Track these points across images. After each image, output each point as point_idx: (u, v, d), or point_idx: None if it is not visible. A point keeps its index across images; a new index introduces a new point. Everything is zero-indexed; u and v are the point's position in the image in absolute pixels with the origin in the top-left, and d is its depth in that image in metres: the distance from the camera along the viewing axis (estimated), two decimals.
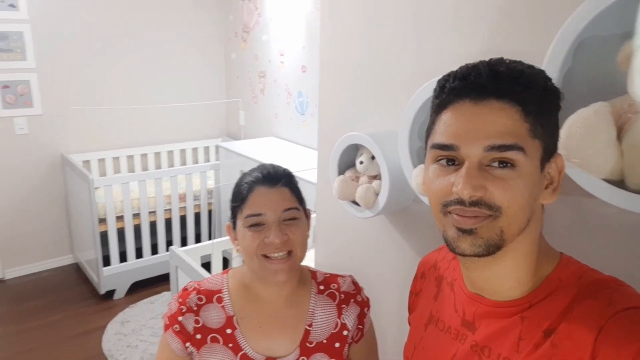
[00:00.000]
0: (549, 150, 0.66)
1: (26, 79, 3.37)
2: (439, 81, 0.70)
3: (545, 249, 0.72)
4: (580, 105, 0.76)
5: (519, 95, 0.63)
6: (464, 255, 0.67)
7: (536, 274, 0.69)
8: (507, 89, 0.63)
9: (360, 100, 1.37)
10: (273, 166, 1.02)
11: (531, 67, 0.66)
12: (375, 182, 1.23)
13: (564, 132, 0.76)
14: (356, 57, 1.35)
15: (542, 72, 0.67)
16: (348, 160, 1.31)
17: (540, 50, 0.91)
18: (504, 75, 0.63)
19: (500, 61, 0.66)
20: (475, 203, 0.63)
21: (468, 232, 0.65)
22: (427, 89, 1.05)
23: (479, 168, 0.63)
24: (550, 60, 0.83)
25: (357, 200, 1.24)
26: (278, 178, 0.98)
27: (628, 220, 0.85)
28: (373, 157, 1.22)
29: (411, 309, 0.97)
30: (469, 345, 0.74)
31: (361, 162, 1.25)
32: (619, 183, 0.77)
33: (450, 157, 0.66)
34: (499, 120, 0.62)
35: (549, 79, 0.66)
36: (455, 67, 0.69)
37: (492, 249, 0.65)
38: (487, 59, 0.67)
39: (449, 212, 0.66)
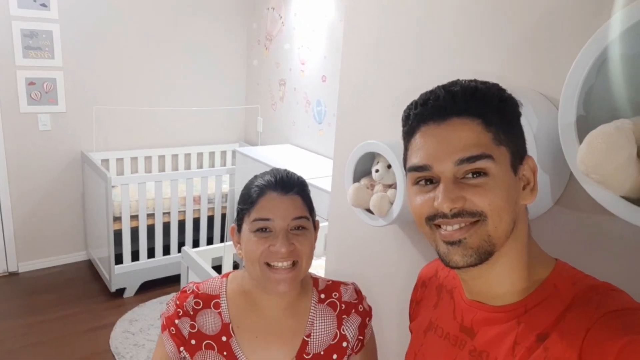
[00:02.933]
0: (518, 154, 0.70)
1: (52, 77, 3.45)
2: (404, 111, 0.76)
3: (538, 253, 0.74)
4: (602, 122, 0.75)
5: (476, 109, 0.68)
6: (457, 267, 0.69)
7: (530, 278, 0.71)
8: (465, 106, 0.68)
9: (378, 111, 1.37)
10: (287, 172, 0.98)
11: (485, 82, 0.71)
12: (390, 191, 1.23)
13: (584, 148, 0.75)
14: (376, 68, 1.36)
15: (495, 85, 0.71)
16: (364, 169, 1.32)
17: (559, 68, 0.91)
18: (460, 93, 0.68)
19: (454, 82, 0.71)
20: (457, 214, 0.67)
21: (457, 243, 0.68)
22: None
23: (454, 182, 0.67)
24: (571, 77, 0.82)
25: (371, 208, 1.24)
26: (291, 185, 0.95)
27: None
28: (389, 166, 1.22)
29: (412, 317, 0.97)
30: (468, 351, 0.75)
31: (377, 171, 1.25)
32: (638, 201, 0.76)
33: (427, 177, 0.70)
34: (463, 135, 0.67)
35: (504, 91, 0.71)
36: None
37: (484, 256, 0.68)
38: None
39: (435, 226, 0.70)
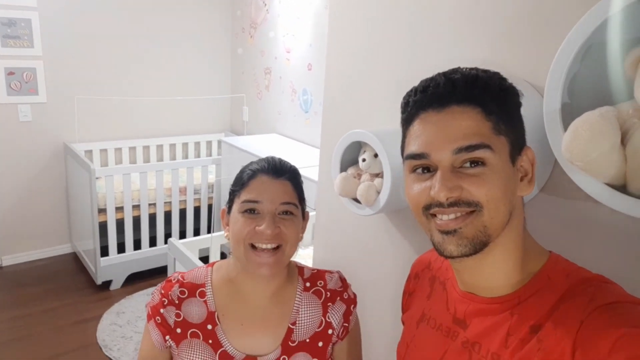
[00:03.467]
0: (517, 145, 0.70)
1: (32, 67, 3.38)
2: (404, 97, 0.74)
3: (532, 245, 0.74)
4: (586, 110, 0.76)
5: (477, 97, 0.67)
6: (452, 257, 0.69)
7: (524, 270, 0.71)
8: (465, 94, 0.67)
9: (365, 99, 1.37)
10: (281, 160, 1.00)
11: (486, 71, 0.70)
12: (377, 180, 1.23)
13: (568, 135, 0.76)
14: (363, 56, 1.35)
15: (497, 74, 0.70)
16: (351, 158, 1.31)
17: (544, 56, 0.91)
18: (460, 81, 0.68)
19: (455, 70, 0.70)
20: (454, 203, 0.66)
21: (452, 232, 0.67)
22: None
23: (452, 171, 0.67)
24: (556, 64, 0.83)
25: (358, 198, 1.24)
26: (283, 170, 0.97)
27: (627, 225, 0.85)
28: (376, 155, 1.22)
29: (404, 308, 0.98)
30: (460, 342, 0.75)
31: (364, 160, 1.25)
32: (621, 188, 0.77)
33: (424, 165, 0.70)
34: (462, 124, 0.66)
35: (505, 80, 0.70)
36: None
37: (478, 246, 0.67)
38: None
39: (432, 215, 0.69)
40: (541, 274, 0.70)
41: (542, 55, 0.94)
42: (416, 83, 1.23)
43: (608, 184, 0.77)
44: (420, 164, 0.70)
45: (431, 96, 0.69)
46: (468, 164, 0.66)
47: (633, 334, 0.55)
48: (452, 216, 0.67)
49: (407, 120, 0.73)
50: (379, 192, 1.21)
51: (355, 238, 1.47)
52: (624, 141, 0.75)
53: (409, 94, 0.73)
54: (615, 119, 0.74)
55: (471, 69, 0.70)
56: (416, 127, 0.70)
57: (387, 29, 1.27)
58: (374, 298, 1.40)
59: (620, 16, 0.76)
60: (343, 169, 1.31)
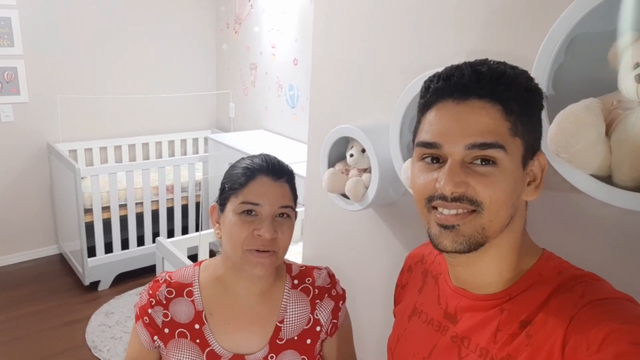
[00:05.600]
0: (532, 149, 0.68)
1: (13, 66, 3.31)
2: (425, 82, 0.72)
3: (528, 244, 0.73)
4: (571, 101, 0.76)
5: (500, 94, 0.65)
6: (446, 251, 0.69)
7: (517, 268, 0.71)
8: (488, 89, 0.65)
9: (352, 94, 1.36)
10: (278, 160, 0.98)
11: (514, 67, 0.68)
12: (365, 175, 1.22)
13: (553, 127, 0.76)
14: (348, 50, 1.35)
15: (524, 72, 0.68)
16: (338, 153, 1.31)
17: (532, 48, 0.91)
18: (486, 75, 0.65)
19: (483, 62, 0.68)
20: (457, 199, 0.65)
21: (450, 228, 0.67)
22: (418, 84, 1.04)
23: (461, 165, 0.65)
24: (541, 56, 0.83)
25: (347, 193, 1.24)
26: (282, 172, 0.95)
27: (614, 216, 0.85)
28: (363, 150, 1.22)
29: (397, 301, 0.98)
30: (450, 337, 0.75)
31: (351, 155, 1.25)
32: (607, 179, 0.78)
33: (434, 155, 0.68)
34: (480, 119, 0.64)
35: (532, 79, 0.68)
36: (446, 63, 0.71)
37: (474, 246, 0.67)
38: (478, 56, 0.69)
39: (433, 208, 0.68)
40: (533, 271, 0.70)
41: (527, 47, 0.94)
42: (402, 76, 1.23)
43: (593, 175, 0.78)
44: (430, 153, 0.68)
45: (454, 86, 0.66)
46: (479, 161, 0.65)
47: (623, 330, 0.55)
48: (453, 211, 0.66)
49: (424, 106, 0.71)
50: (367, 187, 1.21)
51: (344, 233, 1.47)
52: (608, 132, 0.76)
53: (430, 79, 0.71)
54: (600, 110, 0.74)
55: (499, 63, 0.68)
56: (433, 114, 0.68)
57: (373, 22, 1.27)
58: (364, 292, 1.41)
59: (604, 7, 0.76)
60: (331, 164, 1.31)
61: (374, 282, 1.39)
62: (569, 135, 0.74)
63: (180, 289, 1.00)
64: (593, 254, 0.89)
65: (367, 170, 1.23)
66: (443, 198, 0.66)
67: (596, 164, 0.75)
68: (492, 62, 0.68)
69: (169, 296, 0.99)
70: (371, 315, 1.39)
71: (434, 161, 0.68)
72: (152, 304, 0.98)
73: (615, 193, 0.76)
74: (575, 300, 0.63)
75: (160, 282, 1.01)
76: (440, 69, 0.71)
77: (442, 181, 0.65)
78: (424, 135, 0.69)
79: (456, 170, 0.65)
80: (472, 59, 0.70)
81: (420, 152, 0.70)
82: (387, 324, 0.98)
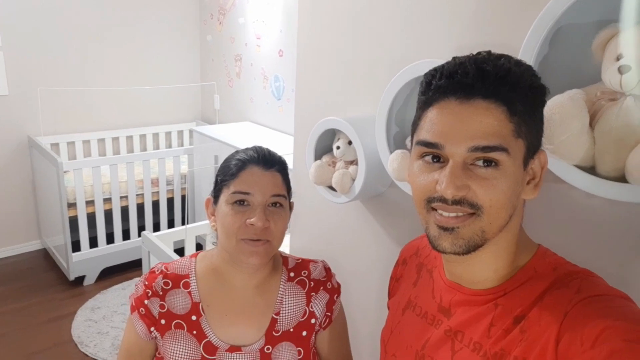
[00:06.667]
0: (533, 148, 0.67)
1: None
2: (426, 76, 0.69)
3: (524, 240, 0.73)
4: (556, 92, 0.77)
5: (505, 95, 0.63)
6: (445, 253, 0.68)
7: (512, 264, 0.71)
8: (493, 89, 0.63)
9: (338, 86, 1.36)
10: (269, 150, 1.00)
11: (518, 63, 0.65)
12: (351, 168, 1.22)
13: None
14: (334, 41, 1.34)
15: (529, 69, 0.66)
16: (325, 146, 1.31)
17: (521, 39, 0.92)
18: (491, 74, 0.63)
19: (487, 58, 0.65)
20: (457, 202, 0.64)
21: (450, 230, 0.66)
22: (404, 76, 1.04)
23: (462, 167, 0.64)
24: (526, 47, 0.83)
25: (334, 185, 1.24)
26: (273, 162, 0.96)
27: (595, 205, 0.87)
28: (350, 143, 1.22)
29: (391, 293, 0.98)
30: (443, 330, 0.75)
31: (338, 147, 1.25)
32: (591, 169, 0.79)
33: (435, 154, 0.67)
34: (484, 121, 0.63)
35: (536, 76, 0.66)
36: (434, 55, 0.69)
37: (473, 248, 0.66)
38: (465, 49, 0.67)
39: (433, 209, 0.67)
40: (528, 267, 0.70)
41: (511, 39, 0.94)
42: (389, 67, 1.23)
43: (577, 166, 0.79)
44: (431, 152, 0.67)
45: (457, 84, 0.64)
46: (481, 162, 0.64)
47: (617, 327, 0.56)
48: (453, 214, 0.65)
49: (425, 103, 0.69)
50: (354, 180, 1.21)
51: (332, 226, 1.47)
52: (592, 123, 0.77)
53: (432, 75, 0.68)
54: (584, 101, 0.75)
55: (502, 57, 0.65)
56: (434, 112, 0.66)
57: (359, 13, 1.26)
58: (353, 284, 1.41)
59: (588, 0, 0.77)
60: (317, 156, 1.30)
61: (362, 274, 1.39)
62: (554, 126, 0.75)
63: (177, 280, 1.00)
64: (578, 245, 0.90)
65: (354, 162, 1.23)
66: (443, 200, 0.65)
67: (580, 154, 0.76)
68: (495, 58, 0.65)
69: (165, 287, 0.99)
70: (361, 307, 1.40)
71: (435, 160, 0.67)
72: (149, 295, 0.98)
73: (599, 183, 0.77)
74: (570, 296, 0.62)
75: (157, 273, 1.01)
76: (426, 60, 0.70)
77: (444, 184, 0.63)
78: (424, 134, 0.67)
79: (458, 173, 0.63)
80: (459, 52, 0.69)
81: (420, 151, 0.68)
82: (379, 316, 0.99)
